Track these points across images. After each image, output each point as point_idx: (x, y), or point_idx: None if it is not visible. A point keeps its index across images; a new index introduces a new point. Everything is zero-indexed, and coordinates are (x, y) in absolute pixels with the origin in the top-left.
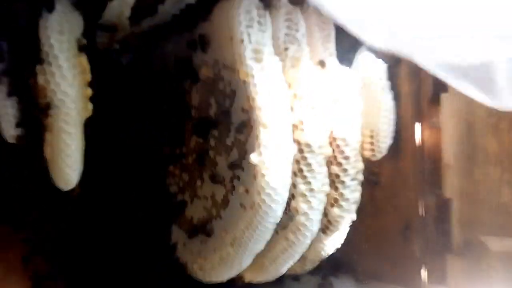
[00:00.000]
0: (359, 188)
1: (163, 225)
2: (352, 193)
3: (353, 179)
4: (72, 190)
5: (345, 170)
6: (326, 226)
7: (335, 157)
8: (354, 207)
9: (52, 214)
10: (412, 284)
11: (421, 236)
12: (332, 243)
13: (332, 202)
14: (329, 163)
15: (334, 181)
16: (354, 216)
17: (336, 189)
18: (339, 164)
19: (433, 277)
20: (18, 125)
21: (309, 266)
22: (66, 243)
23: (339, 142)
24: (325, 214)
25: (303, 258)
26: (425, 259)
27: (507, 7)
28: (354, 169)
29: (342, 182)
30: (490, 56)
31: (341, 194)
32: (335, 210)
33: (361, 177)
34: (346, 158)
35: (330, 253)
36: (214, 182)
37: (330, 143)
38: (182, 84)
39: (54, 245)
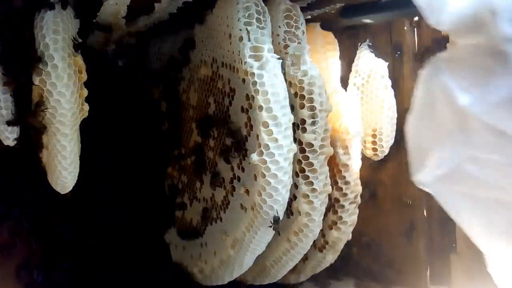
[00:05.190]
0: (357, 211)
1: (161, 228)
2: (350, 216)
3: (351, 203)
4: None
5: (345, 195)
6: (323, 245)
7: (336, 182)
8: (351, 229)
9: (49, 215)
10: (416, 285)
11: (426, 236)
12: (327, 261)
13: (330, 224)
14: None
15: (334, 204)
16: (350, 237)
17: (335, 212)
18: (340, 189)
19: (437, 278)
20: (14, 127)
21: (303, 279)
22: (65, 246)
23: (341, 167)
24: (323, 235)
25: (297, 271)
26: (430, 259)
27: None
28: (354, 193)
29: (342, 206)
30: None
31: (340, 217)
32: (333, 233)
33: (359, 200)
34: (347, 183)
35: (324, 268)
36: (214, 183)
37: (330, 163)
38: (178, 84)
39: (53, 247)
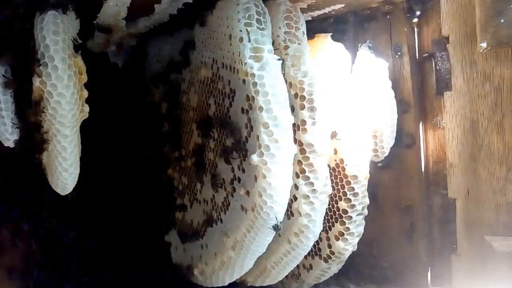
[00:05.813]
0: (363, 222)
1: (161, 229)
2: (357, 227)
3: (359, 214)
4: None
5: (353, 206)
6: (329, 256)
7: (345, 194)
8: (357, 240)
9: (50, 217)
10: (417, 286)
11: (426, 237)
12: (331, 271)
13: (337, 235)
14: (337, 198)
15: (341, 215)
16: (355, 248)
17: (342, 223)
18: (348, 200)
19: (438, 279)
20: (14, 128)
21: (305, 287)
22: (64, 247)
23: (350, 179)
24: (329, 245)
25: (301, 280)
26: (430, 260)
27: None
28: (361, 204)
29: (349, 217)
30: None
31: (347, 229)
32: (340, 243)
33: (366, 212)
34: (355, 194)
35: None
36: (214, 185)
37: (336, 176)
38: (178, 86)
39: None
